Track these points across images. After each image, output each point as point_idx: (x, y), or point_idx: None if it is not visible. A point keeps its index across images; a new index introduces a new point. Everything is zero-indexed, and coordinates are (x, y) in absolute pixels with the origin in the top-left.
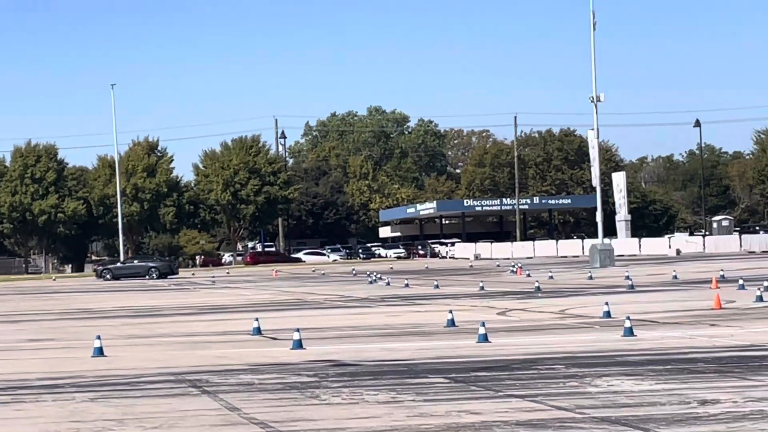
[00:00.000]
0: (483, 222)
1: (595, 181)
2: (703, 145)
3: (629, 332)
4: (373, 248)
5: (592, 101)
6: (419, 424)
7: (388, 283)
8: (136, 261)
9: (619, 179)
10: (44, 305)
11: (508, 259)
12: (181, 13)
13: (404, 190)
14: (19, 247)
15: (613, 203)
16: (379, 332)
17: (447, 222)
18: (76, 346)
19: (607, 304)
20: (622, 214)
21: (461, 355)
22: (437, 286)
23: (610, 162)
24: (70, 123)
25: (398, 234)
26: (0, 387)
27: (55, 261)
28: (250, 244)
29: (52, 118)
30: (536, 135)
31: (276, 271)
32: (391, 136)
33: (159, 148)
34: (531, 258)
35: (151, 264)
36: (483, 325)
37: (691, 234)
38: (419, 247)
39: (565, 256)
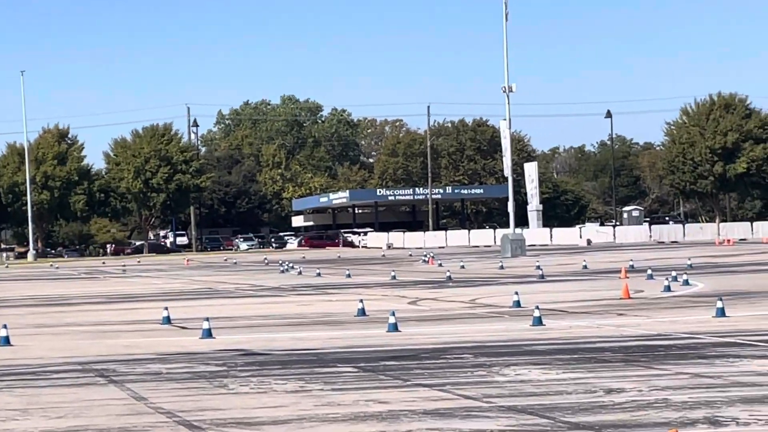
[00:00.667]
0: (396, 211)
1: (507, 171)
2: (614, 136)
3: (538, 322)
4: (286, 237)
5: (504, 92)
6: (327, 414)
7: (300, 273)
8: None
9: (531, 169)
10: None
11: (421, 248)
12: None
13: (317, 179)
14: None
15: (525, 193)
16: (290, 321)
17: (360, 211)
18: None
19: (517, 293)
20: (533, 204)
21: (371, 344)
22: (349, 276)
23: (523, 152)
24: None
25: (311, 223)
26: None
27: None
28: (162, 233)
29: None
30: (449, 125)
31: (188, 260)
32: (305, 125)
33: (69, 135)
34: (443, 247)
35: None
36: (393, 314)
37: (602, 224)
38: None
39: (477, 246)
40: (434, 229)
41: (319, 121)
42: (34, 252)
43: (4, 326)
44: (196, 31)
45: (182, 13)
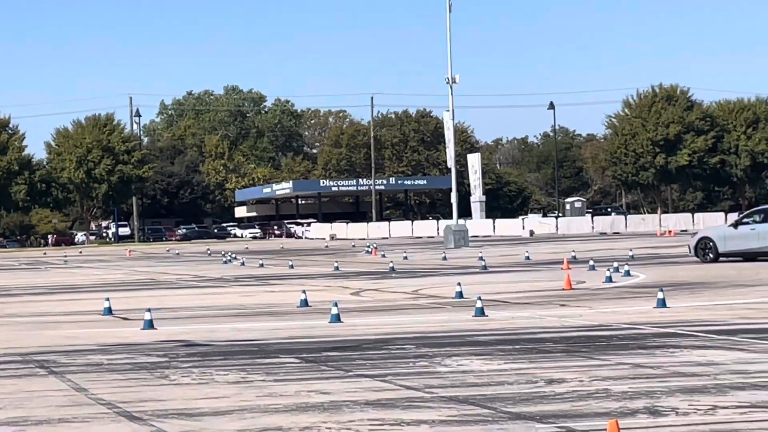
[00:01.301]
0: (339, 202)
1: (451, 163)
2: (557, 127)
3: (480, 312)
4: (229, 228)
5: (447, 83)
6: (268, 404)
7: (242, 263)
8: None
9: (474, 161)
10: None
11: (364, 239)
12: None
13: (260, 170)
14: None
15: (469, 184)
16: (232, 312)
17: (303, 202)
18: None
19: (459, 284)
20: (477, 196)
21: (313, 335)
22: (292, 266)
23: (466, 143)
24: None
25: (254, 214)
26: None
27: None
28: (104, 224)
29: None
30: (393, 116)
31: (129, 251)
32: (248, 115)
33: (10, 125)
34: (386, 238)
35: None
36: (336, 305)
37: (545, 215)
38: (275, 227)
39: (421, 237)
40: (377, 220)
41: (263, 112)
42: None
43: None
44: (138, 21)
45: (125, 1)
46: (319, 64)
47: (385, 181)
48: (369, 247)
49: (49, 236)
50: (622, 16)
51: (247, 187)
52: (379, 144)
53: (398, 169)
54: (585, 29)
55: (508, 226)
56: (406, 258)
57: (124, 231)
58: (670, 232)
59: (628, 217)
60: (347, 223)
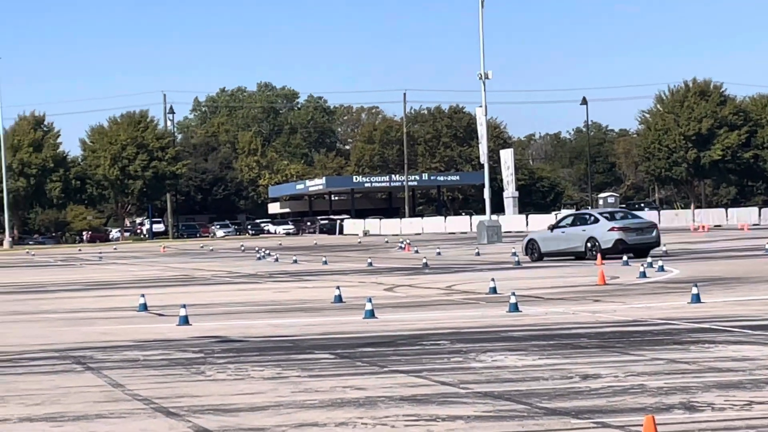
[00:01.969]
0: (372, 198)
1: (484, 158)
2: (589, 122)
3: (514, 308)
4: (262, 224)
5: (480, 78)
6: (304, 400)
7: (276, 260)
8: None
9: (507, 156)
10: None
11: (397, 235)
12: None
13: (293, 166)
14: None
15: (501, 180)
16: (267, 308)
17: (336, 198)
18: None
19: (493, 280)
20: (509, 191)
21: (347, 331)
22: (326, 263)
23: (499, 139)
24: None
25: (287, 210)
26: None
27: None
28: (138, 220)
29: None
30: (425, 112)
31: (164, 247)
32: (281, 112)
33: (45, 122)
34: (419, 234)
35: None
36: (370, 301)
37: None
38: (308, 224)
39: (454, 233)
40: (410, 216)
41: (296, 108)
42: (10, 239)
43: None
44: (173, 18)
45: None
46: (351, 61)
47: (418, 177)
48: (402, 243)
49: (84, 233)
50: (655, 10)
51: (280, 183)
52: (412, 140)
53: (431, 165)
54: (618, 24)
55: (541, 222)
56: (439, 254)
57: (158, 227)
58: (703, 227)
59: (661, 212)
60: (380, 219)
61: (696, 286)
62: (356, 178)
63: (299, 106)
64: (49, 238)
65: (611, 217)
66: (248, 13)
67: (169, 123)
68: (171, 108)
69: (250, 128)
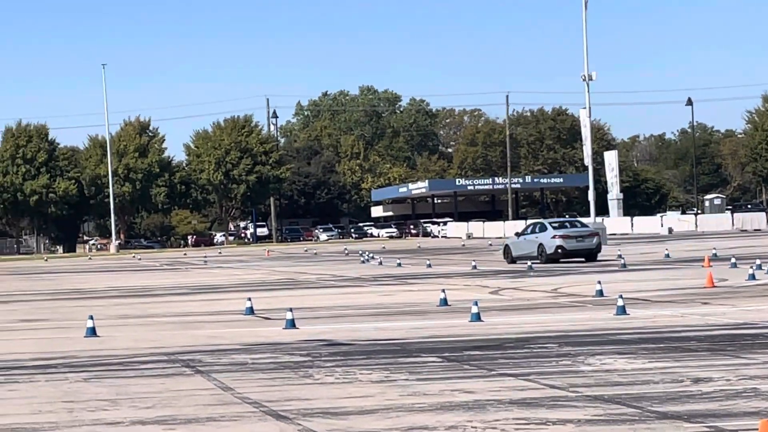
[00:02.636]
0: (475, 201)
1: (587, 160)
2: (695, 123)
3: (622, 311)
4: (365, 228)
5: (584, 80)
6: (413, 403)
7: (380, 263)
8: None
9: (611, 158)
10: (36, 285)
11: (501, 238)
12: None
13: (396, 169)
14: (10, 228)
15: (605, 182)
16: (372, 311)
17: (439, 201)
18: (68, 327)
19: (599, 282)
20: (614, 193)
21: (454, 334)
22: (430, 265)
23: (603, 141)
24: (61, 103)
25: (390, 213)
26: None
27: (47, 241)
28: (242, 224)
29: (43, 98)
30: (528, 114)
31: (268, 251)
32: (383, 115)
33: (150, 128)
34: None
35: None
36: (476, 304)
37: (683, 212)
38: (411, 227)
39: None
40: (514, 219)
41: (398, 112)
42: (117, 244)
43: (90, 317)
44: (275, 22)
45: (262, 4)
46: (453, 63)
47: (521, 180)
48: None
49: (189, 237)
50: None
51: (382, 186)
52: (515, 142)
53: (534, 167)
54: (723, 23)
55: (646, 224)
56: None
57: (262, 231)
58: None
59: None
60: (483, 221)
61: None
62: (459, 181)
63: (401, 109)
64: (154, 243)
65: (558, 226)
66: (351, 17)
67: (272, 127)
68: (274, 112)
69: (353, 132)
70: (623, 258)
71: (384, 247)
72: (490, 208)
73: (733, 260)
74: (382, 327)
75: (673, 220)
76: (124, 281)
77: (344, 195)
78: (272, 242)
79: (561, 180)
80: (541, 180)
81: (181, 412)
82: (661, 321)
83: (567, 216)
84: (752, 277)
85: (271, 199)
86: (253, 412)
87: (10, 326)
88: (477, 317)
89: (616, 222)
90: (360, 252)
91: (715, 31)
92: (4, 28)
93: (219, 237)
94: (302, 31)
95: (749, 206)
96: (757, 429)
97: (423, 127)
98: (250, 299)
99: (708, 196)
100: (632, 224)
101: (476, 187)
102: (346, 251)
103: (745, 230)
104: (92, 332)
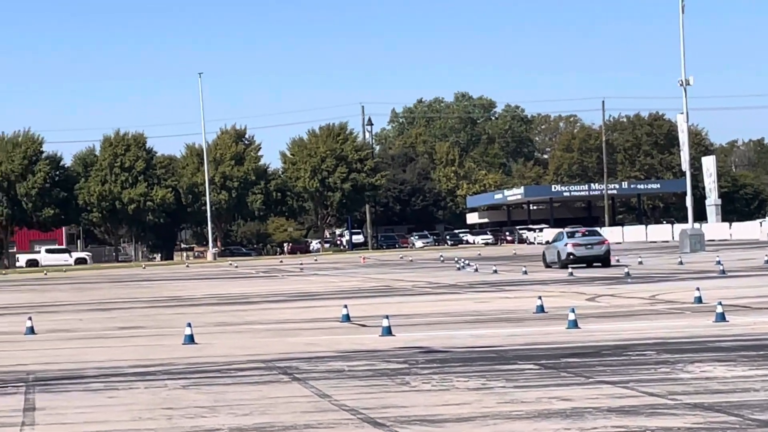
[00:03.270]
0: (571, 207)
1: (685, 166)
2: None
3: (721, 318)
4: (461, 234)
5: (681, 85)
6: (510, 411)
7: (476, 270)
8: None
9: (709, 163)
10: (134, 293)
11: None
12: (266, 1)
13: (491, 176)
14: (109, 236)
15: (703, 188)
16: (468, 319)
17: (535, 208)
18: (166, 334)
19: (698, 289)
20: (712, 199)
21: (551, 341)
22: (526, 272)
23: (700, 146)
24: (158, 112)
25: (486, 220)
26: (93, 374)
27: (145, 249)
28: (338, 231)
29: (141, 108)
30: (624, 119)
31: (363, 258)
32: (478, 122)
33: (246, 136)
34: (620, 243)
35: None
36: (573, 311)
37: None
38: (507, 233)
39: (655, 242)
40: (610, 225)
41: (493, 118)
42: (214, 251)
43: (188, 325)
44: (370, 30)
45: (357, 12)
46: (548, 69)
47: (617, 186)
48: None
49: (285, 244)
50: None
51: (478, 193)
52: (611, 148)
53: (631, 173)
54: None
55: (744, 230)
56: (641, 263)
57: (358, 238)
58: None
59: None
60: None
61: None
62: (555, 187)
63: (497, 115)
64: (251, 250)
65: (572, 235)
66: (445, 24)
67: (367, 135)
68: (369, 120)
69: (448, 138)
70: (722, 264)
71: (479, 254)
72: (586, 215)
73: None
74: (479, 334)
75: None
76: (221, 289)
77: (439, 202)
78: (368, 249)
79: (658, 186)
80: (638, 186)
81: (279, 419)
82: (761, 328)
83: (664, 222)
84: None
85: (367, 206)
86: (350, 419)
87: (109, 334)
88: (574, 324)
89: (714, 228)
90: (455, 259)
91: None
92: (102, 38)
93: (315, 244)
94: (397, 37)
95: None
96: None
97: (518, 133)
98: (346, 306)
99: None
100: (731, 230)
101: (572, 193)
102: (442, 258)
103: None
104: (190, 339)
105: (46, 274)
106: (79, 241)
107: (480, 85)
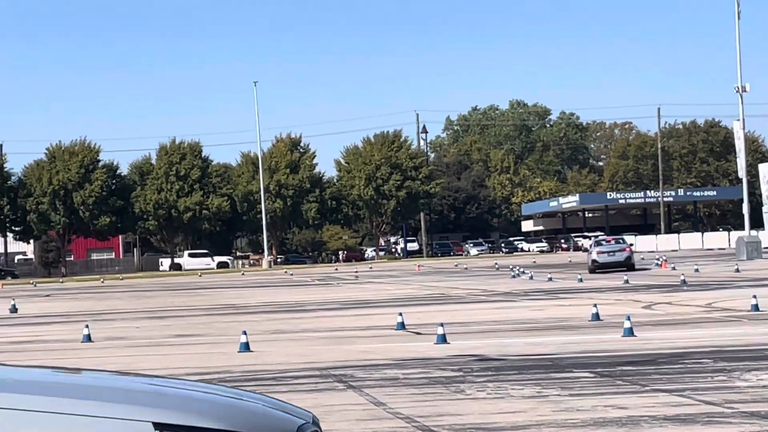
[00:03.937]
0: (626, 215)
1: (741, 173)
2: None
3: None
4: (516, 242)
5: (737, 91)
6: (565, 419)
7: (531, 277)
8: None
9: (765, 170)
10: (190, 301)
11: (653, 252)
12: (321, 9)
13: (546, 183)
14: (164, 244)
15: (760, 195)
16: (523, 326)
17: (590, 215)
18: (222, 342)
19: (755, 297)
20: None
21: (606, 349)
22: (581, 280)
23: (757, 153)
24: (214, 121)
25: (541, 228)
26: None
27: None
28: (393, 239)
29: (197, 117)
30: (680, 126)
31: (418, 266)
32: (533, 129)
33: (302, 144)
34: (676, 251)
35: None
36: (628, 318)
37: None
38: (562, 241)
39: (711, 249)
40: (666, 232)
41: (548, 125)
42: (269, 259)
43: (244, 332)
44: (425, 38)
45: (412, 19)
46: (603, 76)
47: (673, 193)
48: (658, 259)
49: (340, 252)
50: None
51: (533, 201)
52: (667, 155)
53: (687, 180)
54: None
55: None
56: (697, 270)
57: (413, 246)
58: None
59: None
60: (635, 235)
61: None
62: (610, 195)
63: (551, 122)
64: (306, 258)
65: (599, 243)
66: (499, 33)
67: (422, 142)
68: (424, 127)
69: (503, 146)
70: None
71: (534, 262)
72: (642, 222)
73: None
74: (533, 342)
75: None
76: (276, 296)
77: (494, 209)
78: (422, 257)
79: (714, 193)
80: (694, 193)
81: (334, 427)
82: None
83: (720, 229)
84: None
85: (421, 214)
86: (405, 427)
87: (165, 341)
88: (630, 332)
89: None
90: (510, 267)
91: None
92: (158, 48)
93: (370, 252)
94: (452, 45)
95: None
96: None
97: (573, 140)
98: (401, 314)
99: None
100: None
101: (627, 200)
102: (497, 266)
103: None
104: (246, 347)
105: (102, 282)
106: (135, 249)
107: (535, 92)
